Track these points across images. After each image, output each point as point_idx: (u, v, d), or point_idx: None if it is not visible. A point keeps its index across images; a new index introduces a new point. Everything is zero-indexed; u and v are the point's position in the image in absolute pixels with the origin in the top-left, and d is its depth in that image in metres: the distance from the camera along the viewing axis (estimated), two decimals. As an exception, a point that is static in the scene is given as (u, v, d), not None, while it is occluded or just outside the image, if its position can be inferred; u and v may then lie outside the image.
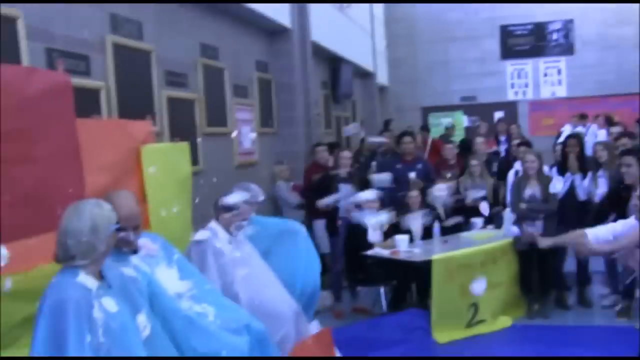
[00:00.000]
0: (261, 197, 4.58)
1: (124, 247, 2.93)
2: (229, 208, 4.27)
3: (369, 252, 6.21)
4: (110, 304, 2.50)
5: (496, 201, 7.29)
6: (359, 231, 6.46)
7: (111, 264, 2.75)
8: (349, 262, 6.63)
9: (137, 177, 3.99)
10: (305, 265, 4.52)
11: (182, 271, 3.38)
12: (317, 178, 7.24)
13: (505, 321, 6.01)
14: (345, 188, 6.84)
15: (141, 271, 3.03)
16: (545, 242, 4.09)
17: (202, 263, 4.01)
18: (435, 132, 12.91)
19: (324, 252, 7.52)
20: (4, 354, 2.65)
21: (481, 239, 6.42)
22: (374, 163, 8.48)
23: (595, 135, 11.89)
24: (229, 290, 3.97)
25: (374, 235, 6.46)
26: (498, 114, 15.13)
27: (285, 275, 4.45)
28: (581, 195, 6.34)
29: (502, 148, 10.34)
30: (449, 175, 7.76)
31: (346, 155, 6.96)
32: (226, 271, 4.11)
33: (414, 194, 6.76)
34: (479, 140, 8.33)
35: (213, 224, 4.32)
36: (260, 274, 4.36)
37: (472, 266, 5.90)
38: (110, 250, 2.68)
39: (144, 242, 3.26)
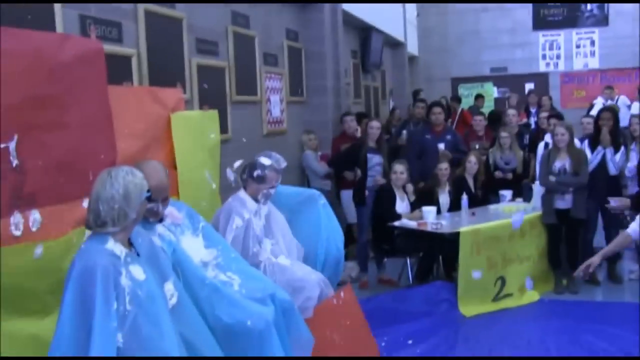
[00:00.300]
0: (284, 164, 4.50)
1: (151, 218, 2.93)
2: (258, 177, 4.23)
3: (396, 223, 6.19)
4: (137, 271, 2.49)
5: (526, 174, 7.23)
6: (384, 202, 6.44)
7: (141, 232, 2.76)
8: (375, 233, 6.58)
9: (167, 144, 3.96)
10: (328, 234, 4.45)
11: (207, 239, 3.36)
12: (345, 148, 7.21)
13: (532, 295, 5.96)
14: (374, 158, 6.78)
15: (166, 240, 3.03)
16: (595, 260, 3.98)
17: (227, 227, 4.02)
18: (465, 104, 12.76)
19: (350, 223, 7.57)
20: (34, 320, 2.64)
21: (510, 211, 6.38)
22: (404, 132, 8.45)
23: (628, 106, 11.66)
24: (253, 260, 3.96)
25: (401, 206, 6.45)
26: (529, 86, 14.87)
27: (307, 246, 4.42)
28: (612, 170, 6.27)
29: (533, 120, 10.21)
30: (477, 146, 7.71)
31: (375, 125, 6.86)
32: (253, 242, 4.09)
33: (443, 166, 6.71)
34: (511, 112, 8.18)
35: (242, 194, 4.29)
36: (285, 244, 4.34)
37: (500, 239, 5.85)
38: (140, 218, 2.66)
39: (170, 210, 3.23)
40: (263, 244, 4.16)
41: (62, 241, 2.77)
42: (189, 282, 2.95)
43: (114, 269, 2.41)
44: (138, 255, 2.61)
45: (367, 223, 6.76)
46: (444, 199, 6.75)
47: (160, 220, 3.05)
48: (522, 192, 7.09)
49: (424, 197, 6.59)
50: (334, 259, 4.44)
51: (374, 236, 6.64)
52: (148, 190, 2.61)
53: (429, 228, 5.95)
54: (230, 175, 4.98)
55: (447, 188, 6.79)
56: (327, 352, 3.66)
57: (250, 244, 4.08)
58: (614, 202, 4.74)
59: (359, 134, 7.72)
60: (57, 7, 3.77)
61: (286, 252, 4.27)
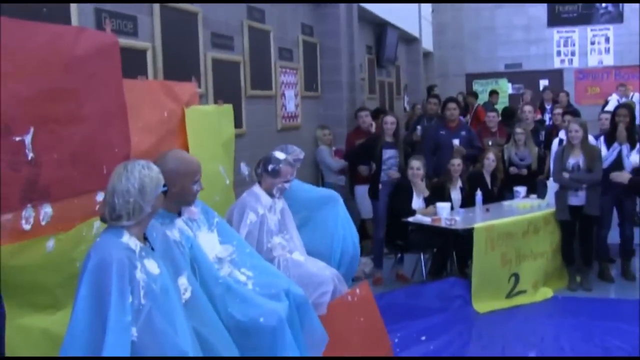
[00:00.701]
0: (301, 155, 4.56)
1: (188, 202, 3.04)
2: (272, 171, 4.21)
3: (410, 219, 6.16)
4: (152, 265, 2.48)
5: (541, 170, 7.17)
6: (401, 197, 6.42)
7: (155, 226, 2.75)
8: (390, 228, 6.57)
9: (180, 138, 3.95)
10: (344, 232, 4.45)
11: (222, 235, 3.37)
12: (361, 142, 7.18)
13: (546, 292, 5.91)
14: (389, 153, 6.75)
15: (185, 234, 3.05)
16: None
17: (241, 223, 4.01)
18: (479, 100, 12.67)
19: (365, 218, 7.57)
20: (45, 315, 2.63)
21: (524, 208, 6.33)
22: (418, 127, 8.40)
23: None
24: (267, 256, 3.96)
25: (417, 202, 6.41)
26: (543, 82, 14.80)
27: (323, 244, 4.44)
28: (628, 167, 6.14)
29: (548, 117, 10.14)
30: (490, 143, 7.65)
31: (390, 120, 6.80)
32: (267, 238, 4.09)
33: (456, 162, 6.66)
34: (527, 108, 8.08)
35: (256, 189, 4.27)
36: (297, 240, 4.35)
37: (514, 235, 5.81)
38: (156, 213, 2.66)
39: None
40: (274, 240, 4.14)
41: (72, 234, 2.76)
42: (205, 279, 2.95)
43: (130, 262, 2.39)
44: (152, 249, 2.60)
45: (381, 218, 6.74)
46: (456, 194, 6.71)
47: (179, 214, 3.07)
48: (536, 188, 7.02)
49: (436, 192, 6.57)
50: (349, 256, 4.43)
51: (388, 231, 6.63)
52: (164, 185, 2.60)
53: (443, 224, 5.92)
54: (244, 169, 5.01)
55: (458, 184, 6.75)
56: (340, 349, 3.63)
57: (265, 240, 4.07)
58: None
59: (373, 130, 7.70)
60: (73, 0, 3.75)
61: (301, 248, 4.26)
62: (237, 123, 5.43)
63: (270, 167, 4.21)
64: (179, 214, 3.15)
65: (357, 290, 4.06)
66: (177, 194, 3.05)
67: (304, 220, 4.56)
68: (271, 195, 4.23)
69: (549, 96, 11.18)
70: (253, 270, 3.25)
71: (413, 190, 6.46)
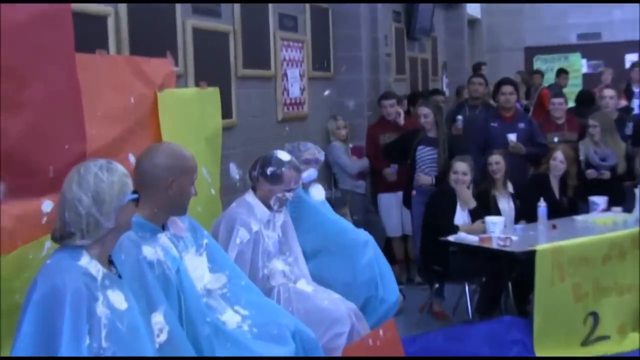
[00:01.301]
0: (320, 155, 4.86)
1: (182, 209, 3.24)
2: (272, 176, 4.28)
3: (451, 238, 6.18)
4: (118, 298, 2.53)
5: (630, 174, 7.16)
6: (440, 209, 6.47)
7: (125, 246, 2.80)
8: (424, 249, 6.61)
9: (151, 132, 4.00)
10: (379, 270, 4.73)
11: (213, 261, 3.49)
12: (394, 138, 7.38)
13: (635, 340, 5.80)
14: (424, 151, 6.84)
15: (170, 254, 3.14)
16: None
17: (229, 242, 4.11)
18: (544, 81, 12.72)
19: (391, 236, 7.70)
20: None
21: (604, 224, 6.27)
22: (459, 117, 8.40)
23: None
24: (263, 285, 4.05)
25: (462, 216, 6.45)
26: (631, 58, 14.48)
27: (342, 271, 4.70)
28: None
29: (637, 103, 10.06)
30: (555, 139, 7.65)
31: (423, 112, 6.97)
32: (263, 262, 4.17)
33: (494, 160, 6.72)
34: (608, 92, 8.09)
35: (249, 197, 4.34)
36: (303, 265, 4.51)
37: (591, 261, 5.68)
38: (125, 228, 2.71)
39: (172, 219, 3.35)
40: (272, 264, 4.24)
41: (13, 257, 2.76)
42: (191, 316, 3.03)
43: (89, 293, 2.41)
44: (120, 277, 2.64)
45: (414, 236, 6.91)
46: (505, 204, 6.76)
47: (163, 227, 3.20)
48: (622, 198, 7.02)
49: (479, 203, 6.62)
50: (384, 309, 4.71)
51: (422, 253, 6.69)
52: (135, 192, 2.65)
53: (494, 245, 5.92)
54: (235, 172, 5.09)
55: (508, 190, 6.81)
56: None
57: (260, 264, 4.15)
58: None
59: (401, 121, 7.81)
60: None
61: (308, 275, 4.38)
62: (226, 112, 5.48)
63: (269, 170, 4.30)
64: (163, 228, 3.24)
65: (381, 332, 4.08)
66: (172, 199, 3.17)
67: (317, 249, 4.84)
68: (268, 207, 4.33)
69: (638, 76, 11.03)
70: (249, 308, 3.38)
71: (456, 201, 6.49)
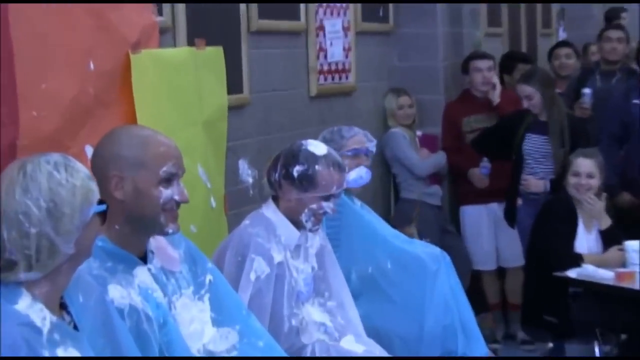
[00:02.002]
0: (370, 145, 5.02)
1: (162, 227, 3.21)
2: (301, 179, 4.26)
3: (572, 273, 6.14)
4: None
5: None
6: (553, 228, 6.45)
7: (86, 284, 2.82)
8: (531, 289, 6.65)
9: (121, 112, 4.08)
10: (462, 321, 4.88)
11: (218, 309, 3.51)
12: (485, 123, 7.65)
13: None
14: (535, 143, 6.93)
15: (152, 299, 3.14)
16: None
17: (241, 278, 4.13)
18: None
19: (480, 269, 7.91)
20: None
21: None
22: (586, 91, 8.22)
23: None
24: (289, 343, 4.09)
25: (587, 240, 6.43)
26: None
27: (404, 318, 4.84)
28: None
29: None
30: None
31: (526, 92, 7.07)
32: (290, 309, 4.20)
33: None
34: None
35: (269, 211, 4.35)
36: (352, 311, 4.56)
37: None
38: (86, 255, 2.72)
39: (159, 242, 3.38)
40: (304, 311, 4.28)
41: None
42: None
43: (29, 349, 2.41)
44: (76, 327, 2.65)
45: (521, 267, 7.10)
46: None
47: (144, 257, 3.24)
48: None
49: (627, 222, 6.60)
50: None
51: (529, 297, 6.70)
52: (101, 202, 2.67)
53: (638, 283, 5.84)
54: (247, 173, 5.09)
55: None
56: None
57: (286, 312, 4.15)
58: None
59: (496, 98, 7.86)
60: None
61: (357, 325, 4.44)
62: (234, 84, 5.54)
63: (296, 169, 4.26)
64: (144, 258, 3.26)
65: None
66: (128, 208, 3.18)
67: (368, 286, 4.95)
68: (298, 225, 4.31)
69: None
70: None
71: (578, 216, 6.47)
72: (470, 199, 7.75)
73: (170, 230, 3.26)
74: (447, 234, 7.76)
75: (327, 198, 4.29)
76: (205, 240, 4.36)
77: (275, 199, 4.35)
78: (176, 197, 3.23)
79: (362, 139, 5.21)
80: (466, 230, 7.78)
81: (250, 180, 5.08)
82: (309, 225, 4.31)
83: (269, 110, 6.41)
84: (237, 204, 5.20)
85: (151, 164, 3.19)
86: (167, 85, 4.34)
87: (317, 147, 4.35)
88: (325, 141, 4.72)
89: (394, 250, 5.11)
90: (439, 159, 7.76)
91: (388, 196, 7.87)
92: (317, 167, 4.24)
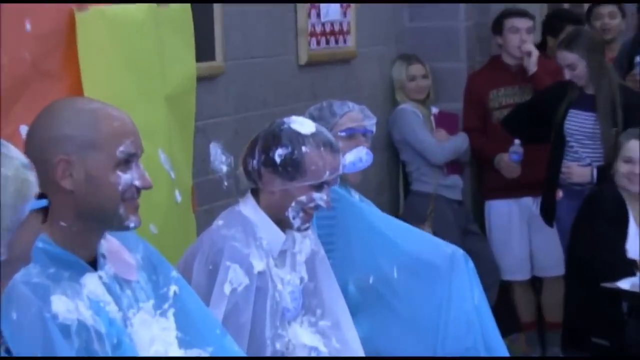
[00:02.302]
0: (367, 122, 5.04)
1: (118, 219, 3.18)
2: (286, 164, 4.18)
3: (623, 284, 6.18)
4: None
5: None
6: (598, 227, 6.53)
7: (22, 296, 2.84)
8: (573, 303, 6.74)
9: (63, 84, 4.09)
10: (485, 335, 4.89)
11: (185, 327, 3.46)
12: (518, 98, 7.77)
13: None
14: (579, 120, 7.04)
15: (104, 314, 3.13)
16: None
17: (213, 290, 4.13)
18: None
19: (510, 280, 8.00)
20: None
21: None
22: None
23: None
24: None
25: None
26: None
27: (417, 344, 4.88)
28: None
29: None
30: None
31: (568, 60, 7.10)
32: (274, 329, 4.18)
33: None
34: None
35: (247, 208, 4.29)
36: (349, 331, 4.53)
37: None
38: (23, 261, 2.66)
39: (112, 245, 3.33)
40: (290, 332, 4.28)
41: None
42: None
43: None
44: (8, 352, 2.62)
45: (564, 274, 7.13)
46: None
47: (93, 261, 3.20)
48: None
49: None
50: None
51: (571, 312, 6.80)
52: (42, 195, 2.60)
53: None
54: (220, 160, 5.01)
55: None
56: None
57: (268, 333, 4.14)
58: None
59: (532, 66, 7.84)
60: None
61: (359, 351, 4.45)
62: (205, 49, 5.57)
63: (278, 153, 4.20)
64: (94, 263, 3.20)
65: None
66: (77, 199, 3.12)
67: (369, 290, 4.98)
68: (283, 225, 4.25)
69: None
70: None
71: (629, 213, 6.59)
72: (498, 192, 7.71)
73: (132, 224, 3.24)
74: (469, 235, 7.77)
75: (318, 187, 4.22)
76: (169, 244, 4.31)
77: (255, 193, 4.30)
78: (137, 183, 3.19)
79: (359, 115, 5.15)
80: (493, 231, 7.77)
81: (225, 168, 4.88)
82: (297, 222, 4.25)
83: (248, 81, 6.39)
84: (209, 198, 5.33)
85: (105, 144, 3.15)
86: (121, 51, 4.31)
87: (303, 125, 4.29)
88: (313, 120, 4.64)
89: (402, 254, 5.07)
90: (460, 142, 7.72)
91: (396, 189, 7.90)
92: (304, 148, 4.19)
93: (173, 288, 3.48)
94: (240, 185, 4.44)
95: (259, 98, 6.39)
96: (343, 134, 5.06)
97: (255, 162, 4.25)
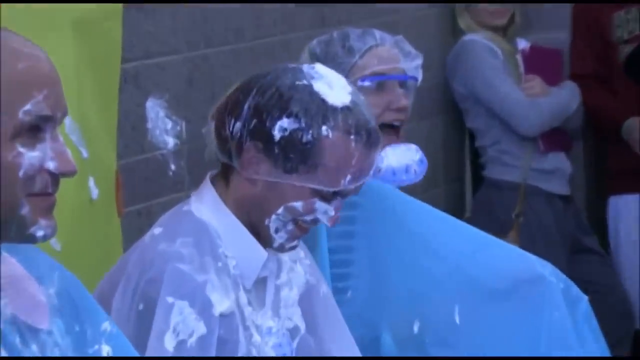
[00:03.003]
0: (412, 69, 4.16)
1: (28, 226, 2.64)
2: (297, 148, 3.39)
3: None
4: None
5: None
6: None
7: None
8: None
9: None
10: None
11: None
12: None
13: None
14: None
15: None
16: None
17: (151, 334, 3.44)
18: None
19: None
20: None
21: None
22: None
23: None
24: None
25: None
26: None
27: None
28: None
29: None
30: None
31: None
32: None
33: None
34: None
35: (202, 207, 3.48)
36: None
37: None
38: None
39: (13, 270, 2.69)
40: None
41: None
42: None
43: None
44: None
45: None
46: None
47: None
48: None
49: None
50: None
51: None
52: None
53: None
54: (164, 126, 4.12)
55: None
56: None
57: None
58: None
59: None
60: None
61: None
62: None
63: (281, 126, 3.38)
64: None
65: None
66: None
67: (413, 342, 4.26)
68: (260, 237, 3.47)
69: None
70: None
71: None
72: (628, 181, 6.40)
73: (41, 232, 2.55)
74: (582, 253, 6.77)
75: (327, 196, 3.36)
76: (78, 266, 3.42)
77: (221, 180, 3.44)
78: (50, 165, 2.46)
79: (392, 52, 4.08)
80: (623, 246, 6.60)
81: (171, 142, 3.78)
82: (280, 238, 3.40)
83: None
84: (144, 192, 4.64)
85: (18, 92, 2.44)
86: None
87: (333, 87, 3.35)
88: (316, 60, 3.84)
89: (468, 283, 4.09)
90: (565, 97, 6.58)
91: (460, 176, 6.82)
92: (324, 129, 3.32)
93: (106, 349, 2.80)
94: (199, 174, 3.71)
95: (229, 25, 5.45)
96: (367, 82, 4.08)
97: (239, 126, 3.42)
